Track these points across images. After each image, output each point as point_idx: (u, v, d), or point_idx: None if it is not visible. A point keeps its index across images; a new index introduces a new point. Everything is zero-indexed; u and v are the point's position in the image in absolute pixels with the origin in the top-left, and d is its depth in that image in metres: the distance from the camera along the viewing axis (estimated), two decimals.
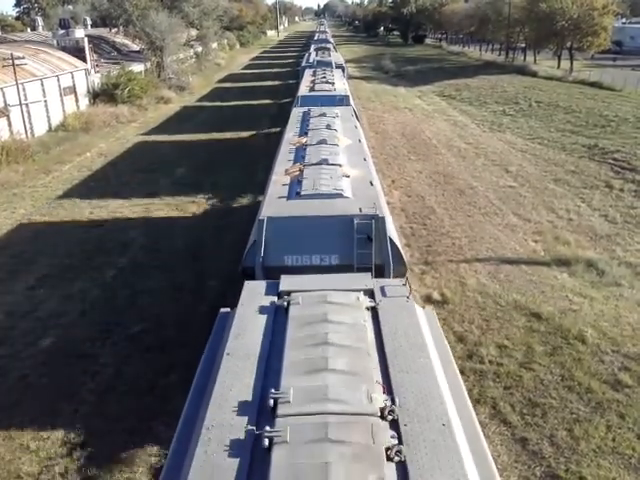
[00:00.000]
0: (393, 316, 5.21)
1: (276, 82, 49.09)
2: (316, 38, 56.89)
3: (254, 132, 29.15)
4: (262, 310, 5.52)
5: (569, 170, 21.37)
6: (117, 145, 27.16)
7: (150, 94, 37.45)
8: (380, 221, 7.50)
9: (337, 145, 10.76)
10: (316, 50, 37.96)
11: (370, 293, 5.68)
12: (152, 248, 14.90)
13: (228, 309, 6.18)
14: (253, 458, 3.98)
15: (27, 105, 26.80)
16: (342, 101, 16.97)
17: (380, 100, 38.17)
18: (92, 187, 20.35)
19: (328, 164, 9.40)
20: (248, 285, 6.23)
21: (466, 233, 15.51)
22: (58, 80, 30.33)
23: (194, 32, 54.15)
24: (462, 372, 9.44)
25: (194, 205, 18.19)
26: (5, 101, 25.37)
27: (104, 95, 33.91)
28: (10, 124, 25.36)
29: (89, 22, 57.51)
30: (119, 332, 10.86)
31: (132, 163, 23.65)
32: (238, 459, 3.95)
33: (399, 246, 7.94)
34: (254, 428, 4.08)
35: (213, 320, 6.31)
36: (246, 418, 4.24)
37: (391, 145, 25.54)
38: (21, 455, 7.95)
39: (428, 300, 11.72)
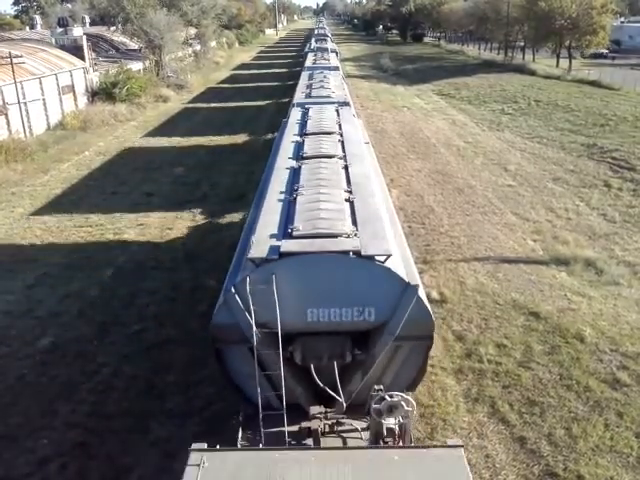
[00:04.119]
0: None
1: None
2: (316, 32, 69.17)
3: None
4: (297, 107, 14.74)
5: (568, 169, 21.38)
6: (116, 143, 27.13)
7: (149, 92, 37.40)
8: (347, 105, 15.43)
9: (329, 83, 19.88)
10: (316, 40, 49.12)
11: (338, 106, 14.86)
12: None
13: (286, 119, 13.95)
14: None
15: (26, 104, 26.74)
16: (334, 69, 25.58)
17: (379, 99, 38.16)
18: (91, 186, 20.39)
19: (324, 88, 18.78)
20: (293, 107, 15.02)
21: (465, 232, 15.52)
22: (57, 79, 30.27)
23: (193, 30, 54.12)
24: (461, 371, 9.52)
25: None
26: (4, 100, 25.32)
27: (103, 94, 33.87)
28: (9, 123, 25.33)
29: (87, 20, 57.32)
30: None
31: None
32: None
33: (347, 93, 19.33)
34: None
35: None
36: None
37: (390, 144, 25.54)
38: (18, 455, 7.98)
39: (427, 299, 11.71)
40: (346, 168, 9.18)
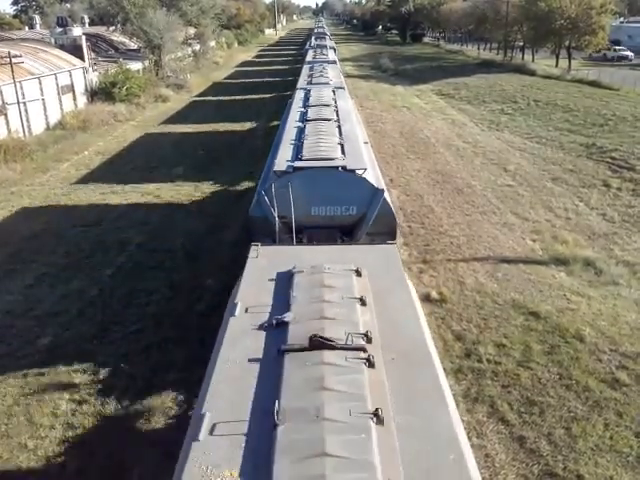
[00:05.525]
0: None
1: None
2: (316, 32, 71.76)
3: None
4: (301, 90, 18.05)
5: (567, 169, 21.39)
6: (115, 143, 27.12)
7: (148, 92, 37.38)
8: (342, 88, 18.37)
9: (327, 73, 22.69)
10: (316, 38, 52.67)
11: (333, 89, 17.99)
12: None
13: (291, 99, 17.38)
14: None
15: (25, 103, 26.72)
16: (332, 62, 28.98)
17: (378, 99, 38.16)
18: (90, 186, 20.37)
19: (324, 77, 21.31)
20: (297, 90, 18.16)
21: (464, 232, 15.53)
22: (56, 78, 30.25)
23: (192, 30, 54.09)
24: (460, 371, 9.52)
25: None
26: (3, 99, 25.30)
27: (102, 93, 33.84)
28: (8, 123, 25.31)
29: (87, 20, 57.28)
30: None
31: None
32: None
33: (343, 80, 23.12)
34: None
35: None
36: None
37: (389, 144, 25.54)
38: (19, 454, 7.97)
39: (426, 299, 11.73)
40: (339, 127, 12.56)
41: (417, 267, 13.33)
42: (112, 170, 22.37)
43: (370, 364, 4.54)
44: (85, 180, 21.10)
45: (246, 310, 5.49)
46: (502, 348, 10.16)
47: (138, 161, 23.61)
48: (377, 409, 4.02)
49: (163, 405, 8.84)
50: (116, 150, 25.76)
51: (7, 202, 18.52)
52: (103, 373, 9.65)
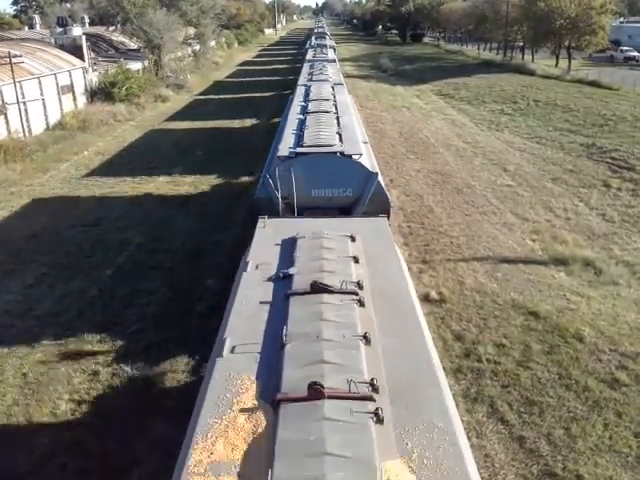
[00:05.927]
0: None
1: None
2: (316, 31, 73.78)
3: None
4: (301, 86, 19.05)
5: (567, 169, 21.40)
6: (115, 143, 27.12)
7: (148, 92, 37.37)
8: (341, 84, 19.48)
9: (327, 71, 23.88)
10: (316, 38, 54.80)
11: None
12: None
13: (292, 95, 18.21)
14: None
15: (25, 103, 26.70)
16: (332, 61, 30.53)
17: (378, 99, 38.17)
18: (90, 185, 20.38)
19: (323, 74, 22.48)
20: (298, 86, 19.26)
21: (464, 232, 15.54)
22: (56, 78, 30.24)
23: (192, 30, 54.07)
24: (460, 371, 9.52)
25: None
26: (2, 99, 25.29)
27: (102, 93, 33.82)
28: (8, 123, 25.29)
29: (87, 20, 57.25)
30: None
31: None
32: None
33: (341, 78, 23.91)
34: None
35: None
36: None
37: (389, 144, 25.55)
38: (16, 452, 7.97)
39: (426, 299, 11.73)
40: (337, 119, 13.53)
41: (417, 267, 13.33)
42: (112, 170, 22.37)
43: (361, 304, 5.53)
44: (85, 180, 21.13)
45: (256, 267, 6.53)
46: (502, 348, 10.16)
47: (138, 161, 23.61)
48: (366, 333, 4.99)
49: (163, 405, 8.86)
50: (116, 150, 25.76)
51: (7, 202, 18.52)
52: (103, 373, 9.67)
